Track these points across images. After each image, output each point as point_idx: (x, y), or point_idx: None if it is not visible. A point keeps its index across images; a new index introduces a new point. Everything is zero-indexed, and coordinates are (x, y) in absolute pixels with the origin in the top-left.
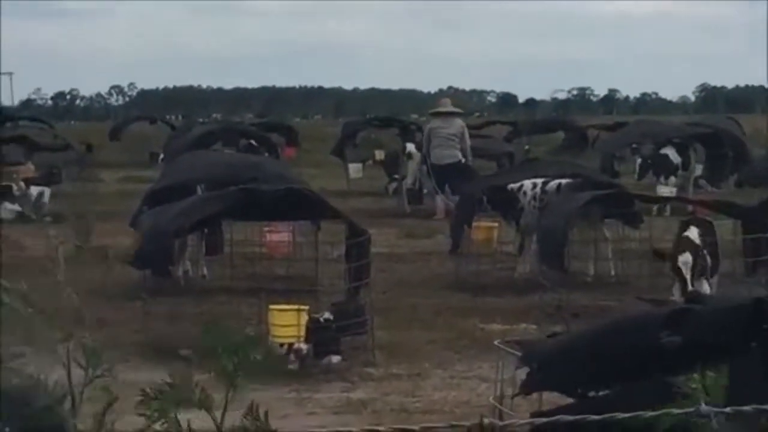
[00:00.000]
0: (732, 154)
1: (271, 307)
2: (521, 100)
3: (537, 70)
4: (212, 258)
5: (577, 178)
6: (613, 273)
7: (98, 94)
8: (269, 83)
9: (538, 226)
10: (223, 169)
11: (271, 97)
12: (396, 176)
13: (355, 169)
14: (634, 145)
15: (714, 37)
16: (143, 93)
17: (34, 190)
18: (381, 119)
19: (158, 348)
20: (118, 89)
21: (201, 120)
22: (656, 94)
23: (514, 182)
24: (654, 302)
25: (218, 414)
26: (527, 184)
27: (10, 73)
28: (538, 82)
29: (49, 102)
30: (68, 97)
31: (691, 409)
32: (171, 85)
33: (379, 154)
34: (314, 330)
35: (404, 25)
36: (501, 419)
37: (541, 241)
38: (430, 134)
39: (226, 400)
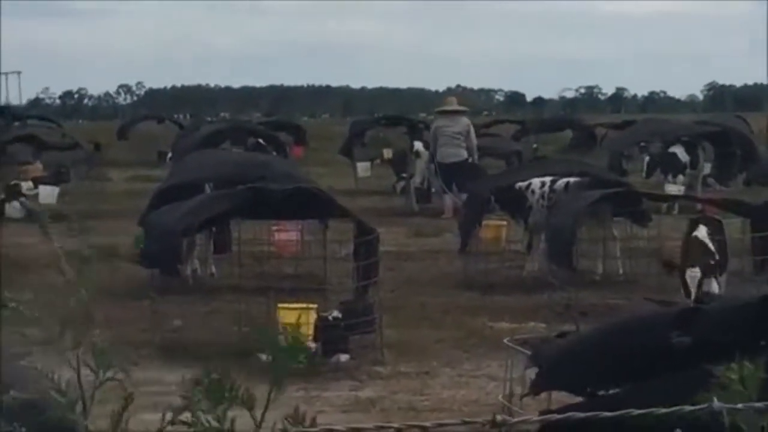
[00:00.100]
0: (740, 153)
1: (280, 305)
2: (529, 98)
3: (545, 69)
4: (221, 257)
5: (586, 176)
6: (621, 271)
7: (106, 93)
8: (277, 82)
9: (547, 224)
10: (232, 168)
11: (279, 96)
12: (404, 175)
13: (363, 167)
14: (642, 144)
15: (722, 36)
16: (151, 92)
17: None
18: (389, 118)
19: (166, 347)
20: (126, 88)
21: (209, 119)
22: (664, 92)
23: (523, 181)
24: (663, 303)
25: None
26: (535, 182)
27: (18, 72)
28: (546, 81)
29: (57, 101)
30: (76, 96)
31: (704, 406)
32: (179, 84)
33: (387, 153)
34: (323, 328)
35: (412, 24)
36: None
37: (550, 240)
38: (436, 133)
39: (267, 399)
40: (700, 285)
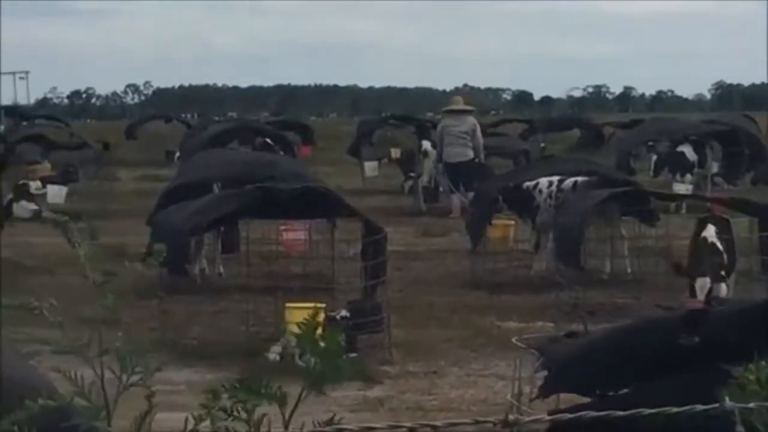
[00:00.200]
0: (748, 152)
1: (288, 305)
2: (537, 98)
3: (552, 68)
4: (229, 256)
5: (593, 175)
6: (629, 270)
7: (114, 93)
8: (285, 81)
9: (554, 224)
10: (239, 167)
11: (286, 95)
12: (412, 174)
13: (370, 167)
14: (650, 143)
15: (729, 35)
16: (159, 92)
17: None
18: (397, 117)
19: (175, 347)
20: (133, 88)
21: (217, 118)
22: (672, 91)
23: (530, 180)
24: (671, 309)
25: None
26: (543, 182)
27: (26, 72)
28: (554, 80)
29: (65, 101)
30: (84, 95)
31: (716, 405)
32: (186, 84)
33: (395, 152)
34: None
35: (419, 23)
36: None
37: (558, 239)
38: (442, 132)
39: (297, 399)
40: (709, 291)
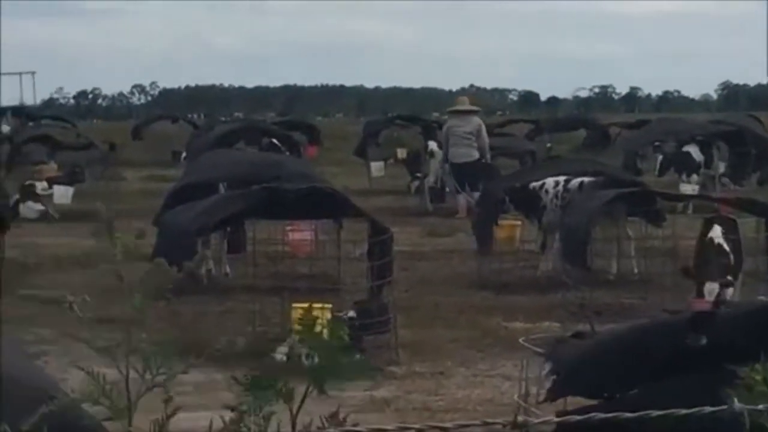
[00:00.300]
0: (755, 152)
1: (294, 305)
2: (543, 98)
3: (559, 69)
4: (235, 257)
5: (600, 176)
6: (636, 271)
7: (120, 93)
8: (291, 82)
9: (561, 224)
10: (246, 167)
11: (292, 95)
12: (418, 175)
13: (377, 167)
14: (656, 143)
15: (735, 35)
16: (165, 92)
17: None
18: (403, 118)
19: (183, 347)
20: (140, 88)
21: (223, 119)
22: (678, 92)
23: (537, 180)
24: (678, 312)
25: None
26: (549, 182)
27: (33, 73)
28: (560, 81)
29: (72, 101)
30: (90, 96)
31: (725, 407)
32: (193, 84)
33: (401, 153)
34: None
35: (425, 23)
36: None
37: (564, 240)
38: (447, 133)
39: (303, 397)
40: (718, 295)
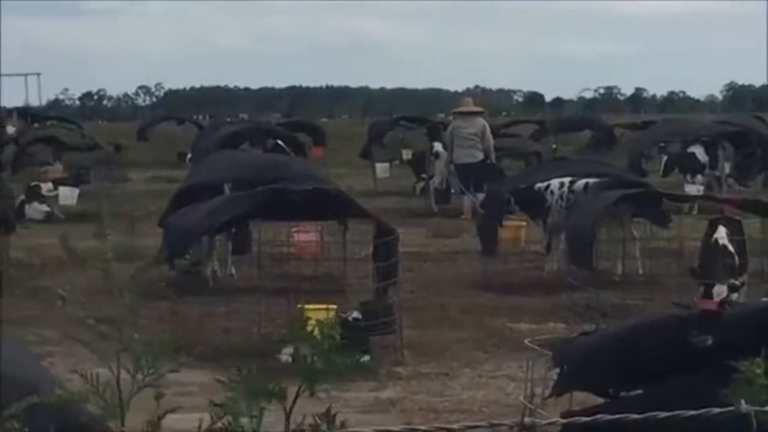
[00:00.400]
0: (760, 153)
1: (299, 306)
2: (548, 99)
3: (564, 70)
4: (240, 258)
5: (605, 177)
6: (641, 272)
7: (125, 95)
8: (296, 83)
9: (566, 225)
10: (251, 169)
11: (297, 96)
12: (423, 176)
13: (382, 168)
14: (661, 144)
15: (741, 36)
16: (170, 93)
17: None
18: (408, 119)
19: (187, 348)
20: (145, 89)
21: (228, 120)
22: (683, 92)
23: (542, 182)
24: (687, 307)
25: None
26: (554, 183)
27: (38, 74)
28: (565, 82)
29: (77, 102)
30: (95, 97)
31: (732, 408)
32: (198, 85)
33: (407, 154)
34: (342, 329)
35: (430, 24)
36: None
37: (569, 240)
38: (452, 134)
39: (296, 395)
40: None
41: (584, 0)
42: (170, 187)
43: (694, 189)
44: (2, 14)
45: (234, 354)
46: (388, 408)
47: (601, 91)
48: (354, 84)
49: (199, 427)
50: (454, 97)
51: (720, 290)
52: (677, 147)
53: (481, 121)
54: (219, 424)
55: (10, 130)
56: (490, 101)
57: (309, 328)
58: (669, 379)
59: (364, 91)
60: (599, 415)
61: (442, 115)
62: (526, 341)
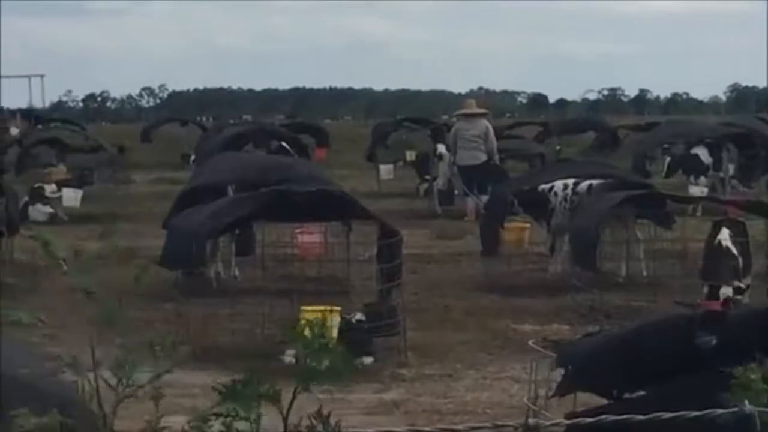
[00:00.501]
0: (764, 154)
1: (303, 308)
2: (552, 100)
3: (567, 71)
4: (244, 259)
5: (609, 178)
6: (645, 273)
7: (129, 96)
8: (299, 84)
9: (570, 226)
10: (255, 170)
11: (301, 98)
12: (427, 177)
13: (386, 170)
14: (665, 145)
15: (744, 37)
16: (174, 95)
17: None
18: (412, 120)
19: (186, 348)
20: (148, 91)
21: (232, 121)
22: (687, 94)
23: (545, 183)
24: (691, 306)
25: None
26: (558, 184)
27: (42, 76)
28: (569, 83)
29: (80, 104)
30: (99, 99)
31: (735, 409)
32: (202, 87)
33: (410, 155)
34: (346, 331)
35: (435, 25)
36: None
37: (573, 242)
38: (455, 136)
39: (293, 397)
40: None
41: (588, 0)
42: (174, 188)
43: (697, 190)
44: (5, 15)
45: (237, 355)
46: (391, 409)
47: (605, 92)
48: (357, 85)
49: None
50: (458, 99)
51: (725, 292)
52: (681, 148)
53: (484, 123)
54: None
55: (14, 131)
56: (494, 103)
57: (300, 329)
58: (673, 380)
59: (367, 93)
60: (603, 416)
61: (445, 117)
62: (530, 343)
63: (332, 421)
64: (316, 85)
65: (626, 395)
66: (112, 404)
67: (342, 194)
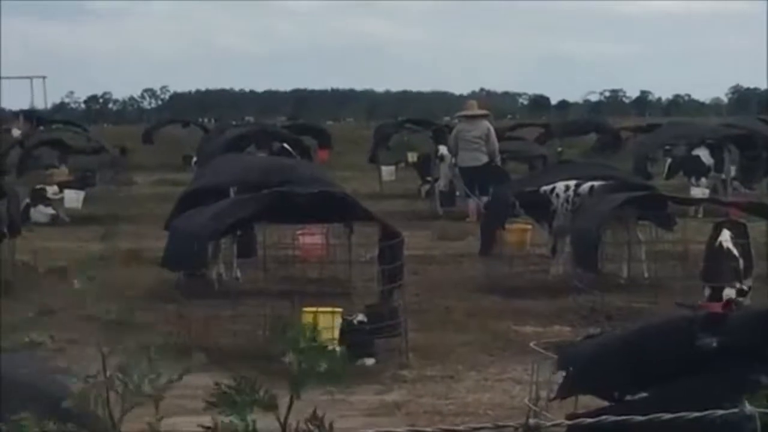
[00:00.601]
0: (765, 156)
1: (305, 309)
2: (553, 102)
3: (569, 72)
4: (246, 261)
5: (610, 180)
6: (646, 275)
7: (131, 98)
8: (301, 86)
9: (571, 228)
10: (256, 172)
11: (303, 99)
12: (428, 178)
13: (387, 171)
14: (667, 147)
15: (746, 38)
16: (176, 96)
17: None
18: (413, 122)
19: (192, 351)
20: (150, 92)
21: (234, 123)
22: (689, 95)
23: (547, 185)
24: (692, 308)
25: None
26: (560, 186)
27: (43, 77)
28: (571, 84)
29: (82, 105)
30: (101, 100)
31: (736, 410)
32: (203, 88)
33: (412, 157)
34: (348, 332)
35: (435, 26)
36: None
37: (575, 243)
38: (456, 137)
39: (290, 402)
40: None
41: (589, 0)
42: (175, 190)
43: (699, 192)
44: (6, 16)
45: (239, 357)
46: (393, 411)
47: (607, 94)
48: (359, 87)
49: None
50: (460, 100)
51: (729, 293)
52: (682, 150)
53: (485, 124)
54: None
55: (16, 133)
56: (496, 104)
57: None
58: (674, 382)
59: (369, 94)
60: (603, 417)
61: (447, 118)
62: (531, 344)
63: (327, 423)
64: (317, 87)
65: (628, 398)
66: (121, 409)
67: (343, 196)
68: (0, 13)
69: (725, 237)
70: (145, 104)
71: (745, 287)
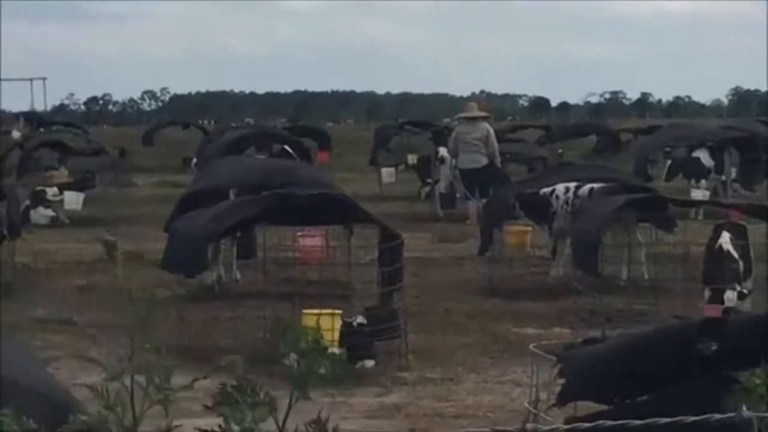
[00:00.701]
0: (766, 158)
1: (305, 311)
2: (554, 103)
3: (569, 74)
4: (245, 263)
5: (610, 182)
6: (646, 277)
7: (131, 99)
8: (301, 87)
9: (572, 230)
10: (257, 174)
11: (303, 101)
12: (429, 180)
13: (387, 173)
14: (667, 149)
15: (747, 39)
16: (176, 98)
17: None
18: (413, 124)
19: (192, 353)
20: (150, 94)
21: (234, 125)
22: (689, 97)
23: (547, 186)
24: (688, 319)
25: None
26: (560, 188)
27: (44, 79)
28: (571, 86)
29: (82, 107)
30: (101, 102)
31: (733, 414)
32: (203, 90)
33: (412, 159)
34: (348, 334)
35: (435, 28)
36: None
37: (575, 245)
38: (456, 139)
39: (289, 404)
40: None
41: (590, 0)
42: (175, 191)
43: (699, 194)
44: (7, 17)
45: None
46: (393, 413)
47: (607, 95)
48: (359, 88)
49: None
50: (460, 102)
51: (730, 296)
52: (682, 152)
53: (485, 126)
54: None
55: (16, 134)
56: (496, 106)
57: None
58: (673, 387)
59: (369, 96)
60: (601, 421)
61: (447, 120)
62: (531, 346)
63: (330, 427)
64: (317, 88)
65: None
66: (141, 408)
67: (343, 198)
68: (0, 15)
69: (725, 239)
70: (145, 106)
71: (745, 290)
